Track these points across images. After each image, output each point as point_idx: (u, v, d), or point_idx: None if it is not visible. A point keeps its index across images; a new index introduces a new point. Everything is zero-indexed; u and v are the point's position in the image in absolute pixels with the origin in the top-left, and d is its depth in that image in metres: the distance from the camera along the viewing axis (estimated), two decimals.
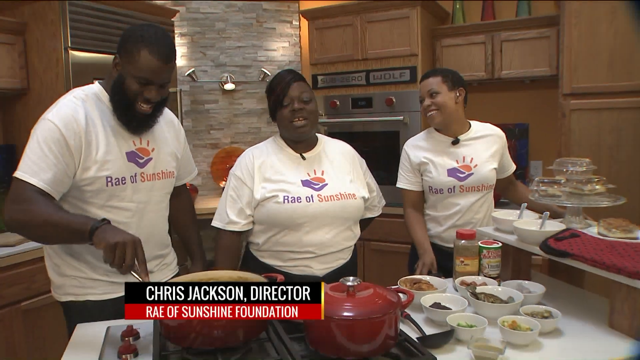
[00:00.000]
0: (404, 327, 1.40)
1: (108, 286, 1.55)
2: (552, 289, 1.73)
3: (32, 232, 1.41)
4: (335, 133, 3.41)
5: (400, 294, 1.29)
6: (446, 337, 1.29)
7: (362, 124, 3.39)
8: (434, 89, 2.05)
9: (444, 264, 1.97)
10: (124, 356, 1.24)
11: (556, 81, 3.18)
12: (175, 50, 1.53)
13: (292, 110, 1.73)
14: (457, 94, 2.06)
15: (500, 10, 3.44)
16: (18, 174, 1.41)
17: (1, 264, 2.25)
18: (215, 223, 1.79)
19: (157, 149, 1.64)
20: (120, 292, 1.53)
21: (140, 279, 1.29)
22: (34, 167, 1.40)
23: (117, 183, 1.51)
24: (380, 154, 3.31)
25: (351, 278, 1.23)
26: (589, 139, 2.78)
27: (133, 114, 1.52)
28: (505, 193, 2.29)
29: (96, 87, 1.57)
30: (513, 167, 2.24)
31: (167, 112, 1.73)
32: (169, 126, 1.73)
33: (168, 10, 3.28)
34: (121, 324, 1.41)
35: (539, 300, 1.52)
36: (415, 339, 1.27)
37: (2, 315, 2.25)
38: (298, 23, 4.03)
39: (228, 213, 1.76)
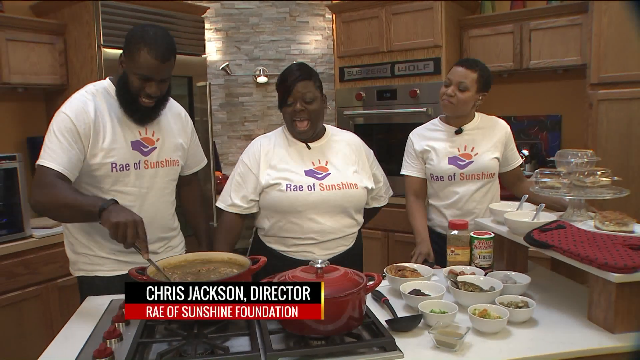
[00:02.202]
0: (381, 312, 1.45)
1: (115, 264, 1.71)
2: (549, 282, 1.72)
3: (53, 213, 1.57)
4: (360, 124, 3.45)
5: (370, 278, 1.34)
6: (414, 321, 1.33)
7: (387, 115, 3.41)
8: (466, 84, 2.03)
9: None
10: (115, 324, 1.37)
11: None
12: (174, 49, 1.64)
13: (294, 110, 1.78)
14: (480, 98, 2.07)
15: None
16: (40, 161, 1.58)
17: (40, 244, 2.48)
18: (218, 204, 1.90)
19: (162, 139, 1.76)
20: (125, 270, 1.69)
21: (141, 255, 1.42)
22: (52, 154, 1.57)
23: (122, 169, 1.65)
24: (404, 146, 3.31)
25: (320, 260, 1.29)
26: (618, 130, 2.67)
27: (137, 107, 1.65)
28: (512, 188, 2.26)
29: (106, 82, 1.73)
30: (519, 160, 2.20)
31: (174, 105, 1.85)
32: (175, 118, 1.85)
33: (198, 7, 3.43)
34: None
35: (524, 292, 1.52)
36: (384, 322, 1.32)
37: (39, 290, 2.49)
38: (331, 17, 4.07)
39: (231, 196, 1.86)
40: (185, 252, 1.95)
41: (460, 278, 1.54)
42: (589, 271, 1.30)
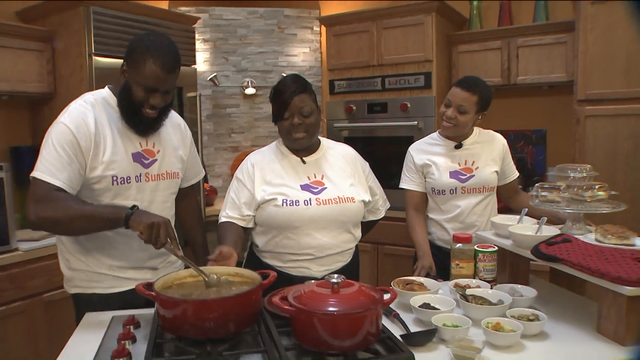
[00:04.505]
0: (392, 326, 1.44)
1: (113, 280, 1.65)
2: (551, 295, 1.74)
3: (64, 227, 1.51)
4: (350, 138, 3.46)
5: (385, 293, 1.33)
6: (429, 335, 1.32)
7: (377, 128, 3.43)
8: (465, 107, 2.04)
9: (448, 266, 1.99)
10: (122, 342, 1.32)
11: (573, 87, 3.16)
12: (179, 59, 1.62)
13: (291, 124, 1.76)
14: (479, 117, 2.10)
15: (517, 15, 3.43)
16: (36, 174, 1.51)
17: (25, 257, 2.39)
18: (219, 221, 1.86)
19: (163, 150, 1.73)
20: (125, 287, 1.65)
21: (173, 254, 1.47)
22: (51, 168, 1.51)
23: (122, 182, 1.60)
24: (395, 159, 3.31)
25: (336, 275, 1.28)
26: (605, 146, 2.74)
27: (140, 118, 1.61)
28: (509, 201, 2.29)
29: (105, 92, 1.68)
30: (515, 174, 2.24)
31: (174, 116, 1.82)
32: (175, 129, 1.82)
33: (189, 17, 3.40)
34: (125, 314, 1.51)
35: (531, 304, 1.53)
36: (399, 337, 1.31)
37: (24, 306, 2.39)
38: (319, 29, 4.10)
39: (228, 213, 1.83)
40: (185, 267, 1.91)
41: (469, 291, 1.55)
42: (600, 284, 1.32)
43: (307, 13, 4.13)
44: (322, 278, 1.77)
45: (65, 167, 1.51)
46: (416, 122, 3.25)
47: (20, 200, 2.64)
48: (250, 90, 4.01)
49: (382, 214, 2.07)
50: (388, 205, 2.09)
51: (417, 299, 1.52)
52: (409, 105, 3.29)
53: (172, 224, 1.80)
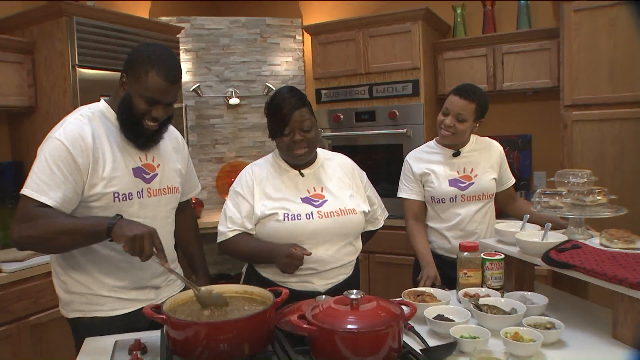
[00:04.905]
0: (408, 339, 1.41)
1: (115, 302, 1.58)
2: (556, 300, 1.74)
3: (46, 245, 1.44)
4: (339, 147, 3.44)
5: (404, 307, 1.30)
6: (449, 348, 1.30)
7: (365, 137, 3.42)
8: (464, 115, 2.04)
9: (450, 275, 1.98)
10: None
11: (558, 92, 3.20)
12: (181, 69, 1.57)
13: (292, 140, 1.72)
14: (477, 125, 2.10)
15: (501, 23, 3.48)
16: (26, 191, 1.43)
17: (9, 279, 2.27)
18: (225, 238, 1.80)
19: (163, 164, 1.67)
20: (128, 309, 1.58)
21: (161, 265, 1.39)
22: (43, 186, 1.43)
23: (124, 199, 1.54)
24: (384, 167, 3.34)
25: (355, 291, 1.25)
26: (592, 149, 2.79)
27: (140, 131, 1.55)
28: (506, 208, 2.30)
29: (102, 104, 1.61)
30: (512, 180, 2.25)
31: (171, 129, 1.76)
32: (173, 142, 1.76)
33: (173, 27, 3.34)
34: (129, 337, 1.44)
35: (542, 312, 1.53)
36: (419, 351, 1.28)
37: (9, 330, 2.27)
38: (301, 38, 4.08)
39: (228, 226, 1.77)
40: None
41: (482, 301, 1.53)
42: (617, 291, 1.32)
43: (290, 22, 4.10)
44: (324, 292, 1.76)
45: (59, 185, 1.44)
46: (405, 130, 3.25)
47: (2, 219, 2.52)
48: (234, 101, 3.95)
49: (380, 224, 2.04)
50: (386, 214, 2.07)
51: (431, 311, 1.50)
52: (397, 113, 3.29)
53: (174, 241, 1.75)
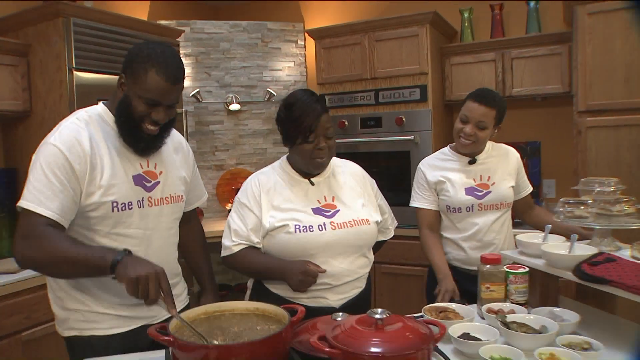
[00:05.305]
0: None
1: (114, 320, 1.46)
2: (586, 315, 1.63)
3: (48, 269, 1.35)
4: (343, 154, 3.32)
5: (431, 326, 1.20)
6: None
7: (371, 144, 3.32)
8: (484, 122, 1.94)
9: (467, 288, 1.88)
10: None
11: (568, 98, 3.13)
12: (183, 69, 1.46)
13: (317, 148, 1.62)
14: (495, 132, 2.01)
15: (509, 27, 3.41)
16: (23, 203, 1.32)
17: (1, 292, 2.15)
18: (231, 253, 1.69)
19: (165, 172, 1.56)
20: (128, 327, 1.47)
21: (167, 311, 1.24)
22: (40, 196, 1.32)
23: (124, 208, 1.43)
24: (391, 175, 3.24)
25: (379, 310, 1.14)
26: (607, 156, 2.71)
27: (140, 135, 1.44)
28: (523, 217, 2.21)
29: (100, 107, 1.50)
30: (529, 188, 2.16)
31: (175, 134, 1.66)
32: (177, 148, 1.66)
33: (173, 30, 3.24)
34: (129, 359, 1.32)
35: (574, 330, 1.43)
36: None
37: (1, 346, 2.14)
38: (303, 43, 4.00)
39: (234, 240, 1.66)
40: (189, 299, 1.73)
41: (509, 317, 1.43)
42: None
43: (291, 26, 4.01)
44: (339, 308, 1.65)
45: (57, 194, 1.33)
46: (412, 137, 3.16)
47: None
48: (234, 106, 3.85)
49: (391, 234, 1.95)
50: (396, 223, 1.98)
51: (456, 329, 1.39)
52: (404, 119, 3.19)
53: (177, 253, 1.64)
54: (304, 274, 1.55)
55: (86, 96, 2.50)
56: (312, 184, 1.72)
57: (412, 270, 3.14)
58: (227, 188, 3.83)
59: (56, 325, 1.52)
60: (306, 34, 3.73)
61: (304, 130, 1.60)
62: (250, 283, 1.83)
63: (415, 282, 3.21)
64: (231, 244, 1.66)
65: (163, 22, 3.65)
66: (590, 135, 2.74)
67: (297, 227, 1.62)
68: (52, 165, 1.34)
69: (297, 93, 1.68)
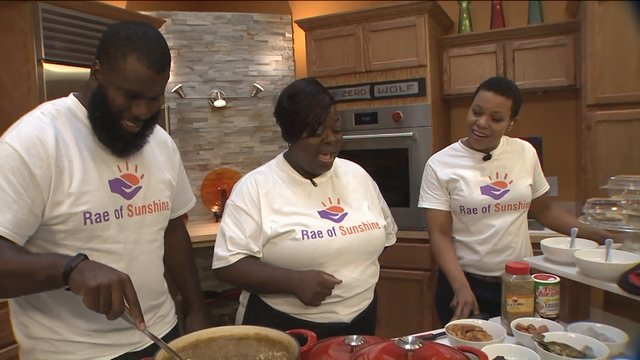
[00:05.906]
0: None
1: (90, 349, 1.23)
2: (623, 329, 1.47)
3: None
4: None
5: (468, 354, 1.01)
6: None
7: (366, 141, 3.13)
8: (500, 113, 1.76)
9: (481, 296, 1.71)
10: None
11: (573, 92, 3.00)
12: (169, 55, 1.25)
13: (325, 142, 1.45)
14: (511, 124, 1.84)
15: (510, 17, 3.25)
16: None
17: None
18: (228, 264, 1.48)
19: (148, 175, 1.34)
20: (107, 356, 1.25)
21: (133, 325, 1.02)
22: None
23: (98, 220, 1.21)
24: (388, 174, 3.06)
25: (410, 338, 0.95)
26: (618, 152, 2.57)
27: (118, 133, 1.22)
28: (540, 218, 2.04)
29: (70, 100, 1.27)
30: (546, 185, 2.01)
31: (159, 131, 1.44)
32: (161, 148, 1.44)
33: (154, 21, 3.02)
34: None
35: (622, 351, 1.26)
36: None
37: None
38: (291, 35, 3.79)
39: (229, 250, 1.46)
40: (177, 318, 1.51)
41: (547, 337, 1.25)
42: None
43: (279, 18, 3.81)
44: (350, 323, 1.47)
45: (10, 205, 1.10)
46: (411, 133, 2.98)
47: None
48: (219, 103, 3.63)
49: (394, 239, 1.80)
50: (396, 228, 1.82)
51: (487, 351, 1.20)
52: (401, 114, 3.01)
53: (163, 269, 1.43)
54: (322, 285, 1.36)
55: (57, 90, 2.26)
56: (314, 184, 1.54)
57: (410, 274, 2.97)
58: (213, 189, 3.61)
59: (20, 355, 1.29)
60: (295, 25, 3.52)
61: (312, 123, 1.42)
62: (243, 298, 1.62)
63: (413, 287, 3.04)
64: (227, 254, 1.45)
65: (142, 13, 3.42)
66: (600, 130, 2.60)
67: (305, 232, 1.44)
68: (5, 170, 1.11)
69: (299, 83, 1.50)
